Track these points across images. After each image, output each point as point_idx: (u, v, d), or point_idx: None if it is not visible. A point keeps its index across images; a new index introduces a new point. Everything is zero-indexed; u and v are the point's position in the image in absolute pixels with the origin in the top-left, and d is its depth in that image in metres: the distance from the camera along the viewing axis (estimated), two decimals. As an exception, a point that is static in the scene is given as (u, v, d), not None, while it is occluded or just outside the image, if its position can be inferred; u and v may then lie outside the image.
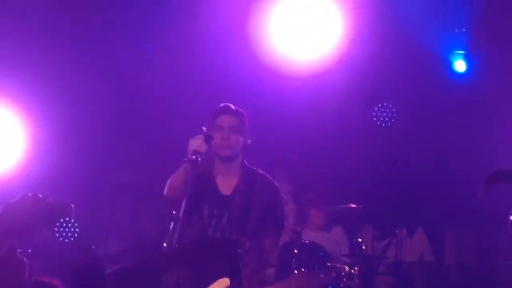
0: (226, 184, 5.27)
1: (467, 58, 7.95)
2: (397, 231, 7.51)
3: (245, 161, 5.33)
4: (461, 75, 7.99)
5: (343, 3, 7.22)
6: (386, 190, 7.98)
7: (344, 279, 6.14)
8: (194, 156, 4.91)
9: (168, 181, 5.19)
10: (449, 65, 8.02)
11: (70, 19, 7.38)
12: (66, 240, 6.80)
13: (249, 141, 5.32)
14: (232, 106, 5.31)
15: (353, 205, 6.81)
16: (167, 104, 7.55)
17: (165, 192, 5.22)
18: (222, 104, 5.33)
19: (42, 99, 7.47)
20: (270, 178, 5.35)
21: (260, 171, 5.34)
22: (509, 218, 2.86)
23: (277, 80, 7.50)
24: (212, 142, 5.06)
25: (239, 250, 3.12)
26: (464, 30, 7.74)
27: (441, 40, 7.80)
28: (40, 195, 2.97)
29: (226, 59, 7.56)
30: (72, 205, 3.00)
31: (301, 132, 7.79)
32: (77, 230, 6.48)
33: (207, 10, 7.32)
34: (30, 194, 2.95)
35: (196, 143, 4.97)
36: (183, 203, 4.78)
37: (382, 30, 7.45)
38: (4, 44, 7.31)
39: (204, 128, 5.15)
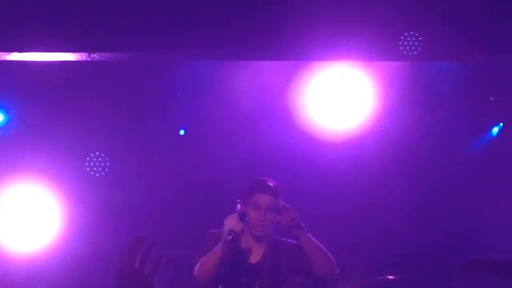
0: (254, 252, 5.22)
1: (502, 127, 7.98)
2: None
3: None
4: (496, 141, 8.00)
5: (375, 76, 7.30)
6: (425, 258, 7.91)
7: None
8: (230, 236, 4.95)
9: (201, 262, 5.15)
10: (486, 134, 8.04)
11: (106, 105, 7.56)
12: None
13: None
14: (270, 183, 5.23)
15: (390, 277, 6.77)
16: (205, 180, 7.63)
17: (196, 273, 5.17)
18: (260, 180, 5.26)
19: (79, 179, 7.61)
20: (295, 242, 5.26)
21: (283, 238, 5.29)
22: None
23: (312, 147, 7.61)
24: (247, 219, 5.08)
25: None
26: (498, 98, 7.76)
27: (476, 109, 7.82)
28: None
29: (263, 129, 7.68)
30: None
31: (337, 200, 7.80)
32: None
33: (245, 82, 7.44)
34: None
35: (231, 222, 5.00)
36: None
37: (415, 100, 7.53)
38: (42, 124, 7.47)
39: (238, 200, 5.17)
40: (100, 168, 7.61)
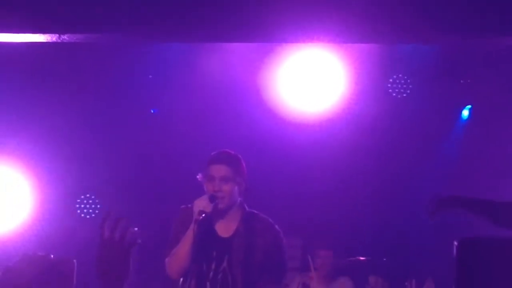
0: (225, 227, 5.10)
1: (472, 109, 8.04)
2: (406, 283, 7.45)
3: (245, 205, 5.14)
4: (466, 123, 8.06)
5: (347, 59, 7.34)
6: (395, 241, 7.96)
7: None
8: (201, 217, 4.90)
9: (172, 258, 5.03)
10: (455, 116, 8.10)
11: (77, 86, 7.52)
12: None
13: (247, 185, 5.10)
14: (224, 153, 5.11)
15: (361, 258, 6.82)
16: (175, 164, 7.63)
17: (170, 271, 5.04)
18: (214, 152, 5.13)
19: (50, 159, 7.61)
20: (271, 221, 5.13)
21: (262, 214, 5.14)
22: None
23: (285, 129, 7.66)
24: (217, 200, 5.00)
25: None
26: (469, 81, 7.80)
27: (447, 92, 7.86)
28: (40, 253, 2.98)
29: (234, 111, 7.70)
30: (75, 260, 3.03)
31: (308, 182, 7.83)
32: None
33: (217, 64, 7.44)
34: (30, 253, 2.96)
35: (201, 204, 4.94)
36: None
37: (385, 83, 7.59)
38: (11, 106, 7.45)
39: (198, 175, 5.09)
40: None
